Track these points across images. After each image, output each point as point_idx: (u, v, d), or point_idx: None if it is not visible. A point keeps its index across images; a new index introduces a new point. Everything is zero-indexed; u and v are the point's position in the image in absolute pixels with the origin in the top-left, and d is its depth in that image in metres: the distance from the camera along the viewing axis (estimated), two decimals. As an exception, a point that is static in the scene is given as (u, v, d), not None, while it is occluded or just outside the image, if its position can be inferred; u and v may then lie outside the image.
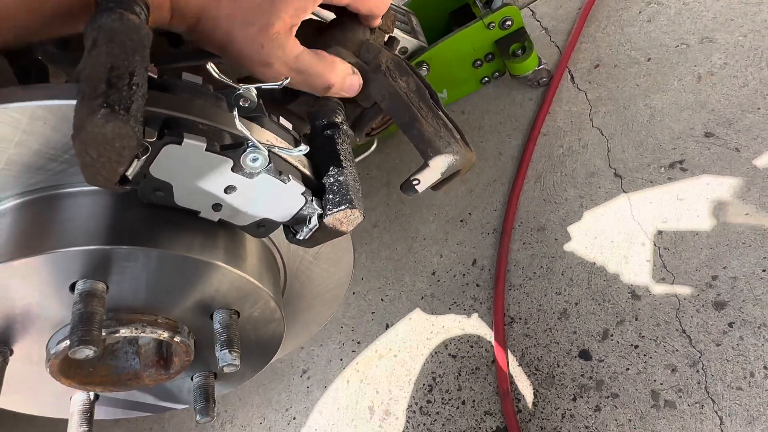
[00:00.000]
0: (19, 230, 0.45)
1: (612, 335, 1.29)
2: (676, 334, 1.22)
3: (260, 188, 0.46)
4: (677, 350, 1.20)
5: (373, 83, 0.62)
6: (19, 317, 0.48)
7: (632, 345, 1.25)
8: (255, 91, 0.50)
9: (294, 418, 1.59)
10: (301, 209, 0.50)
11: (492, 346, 1.41)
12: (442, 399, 1.41)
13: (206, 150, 0.42)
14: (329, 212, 0.49)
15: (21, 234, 0.45)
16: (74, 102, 0.41)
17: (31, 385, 0.56)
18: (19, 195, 0.47)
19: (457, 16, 1.87)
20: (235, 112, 0.45)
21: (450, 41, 1.64)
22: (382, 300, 1.65)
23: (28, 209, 0.47)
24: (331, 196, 0.50)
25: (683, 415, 1.14)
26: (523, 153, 1.62)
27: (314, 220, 0.50)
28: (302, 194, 0.48)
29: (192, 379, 0.61)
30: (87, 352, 0.42)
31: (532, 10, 1.93)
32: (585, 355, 1.30)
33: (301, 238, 0.51)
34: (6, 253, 0.44)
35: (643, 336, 1.25)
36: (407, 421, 1.42)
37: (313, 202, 0.49)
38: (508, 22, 1.61)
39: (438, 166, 0.61)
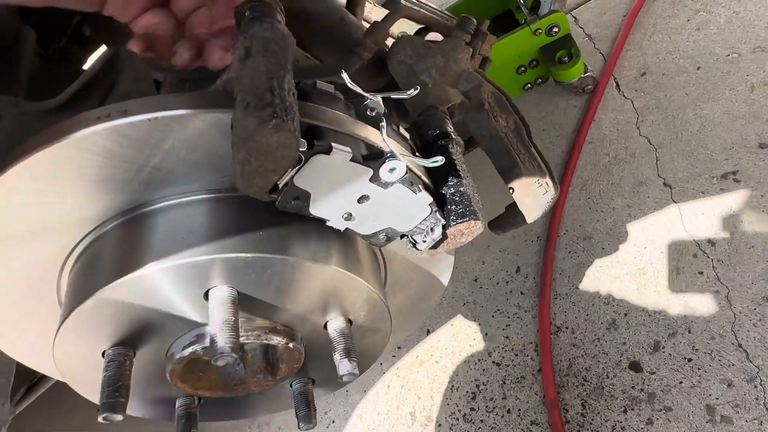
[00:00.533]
0: (153, 238, 0.45)
1: (664, 347, 1.27)
2: (731, 348, 1.21)
3: (392, 198, 0.46)
4: (733, 365, 1.19)
5: (474, 122, 0.62)
6: (147, 323, 0.48)
7: (685, 358, 1.24)
8: (381, 101, 0.50)
9: (333, 422, 1.58)
10: (424, 219, 0.49)
11: (537, 354, 1.40)
12: (486, 407, 1.41)
13: (351, 160, 0.42)
14: (453, 223, 0.49)
15: (156, 242, 0.45)
16: (227, 111, 0.41)
17: (137, 390, 0.56)
18: (151, 202, 0.47)
19: (500, 22, 1.86)
20: (383, 125, 0.45)
21: (494, 47, 1.63)
22: (422, 305, 1.64)
23: (159, 216, 0.47)
24: (453, 207, 0.50)
25: (740, 431, 1.12)
26: (568, 161, 1.61)
27: (438, 231, 0.49)
28: (429, 205, 0.48)
29: (291, 385, 0.61)
30: (229, 359, 0.42)
31: (575, 17, 1.92)
32: (635, 366, 1.28)
33: (421, 248, 0.51)
34: (141, 261, 0.44)
35: (696, 349, 1.24)
36: (450, 429, 1.41)
37: (437, 213, 0.49)
38: (555, 29, 1.60)
39: (532, 215, 0.62)
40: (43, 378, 1.13)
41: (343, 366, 0.50)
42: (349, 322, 0.54)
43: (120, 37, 0.75)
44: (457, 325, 1.56)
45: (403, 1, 1.74)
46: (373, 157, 0.44)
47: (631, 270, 1.39)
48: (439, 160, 0.48)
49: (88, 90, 0.43)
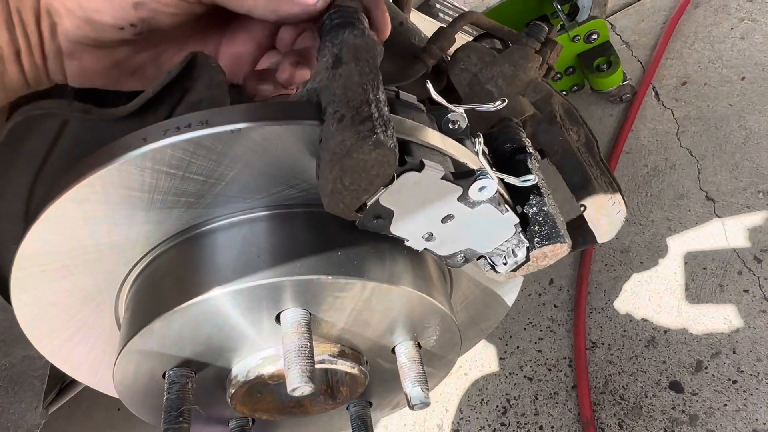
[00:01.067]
0: (226, 256, 0.43)
1: (706, 368, 1.23)
2: (780, 370, 1.16)
3: (477, 218, 0.43)
4: (782, 388, 1.14)
5: (546, 134, 0.59)
6: (213, 345, 0.45)
7: (730, 379, 1.19)
8: (464, 114, 0.47)
9: (358, 432, 1.55)
10: (507, 240, 0.46)
11: (572, 370, 1.36)
12: (518, 423, 1.37)
13: (442, 178, 0.39)
14: (537, 245, 0.46)
15: (230, 261, 0.42)
16: (314, 123, 0.38)
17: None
18: (224, 216, 0.44)
19: (535, 27, 1.83)
20: (479, 143, 0.42)
21: (532, 53, 1.59)
22: (451, 315, 1.61)
23: (234, 232, 0.44)
24: (537, 228, 0.47)
25: (790, 458, 1.08)
26: (605, 171, 1.57)
27: (522, 254, 0.46)
28: (515, 225, 0.45)
29: (348, 408, 0.58)
30: (307, 389, 0.39)
31: (611, 24, 1.88)
32: (676, 386, 1.24)
33: (502, 271, 0.48)
34: (214, 281, 0.41)
35: (742, 371, 1.19)
36: (480, 443, 1.38)
37: (521, 234, 0.46)
38: (594, 36, 1.56)
39: (606, 235, 0.59)
40: (72, 382, 1.11)
41: (416, 394, 0.47)
42: (419, 345, 0.51)
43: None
44: (487, 337, 1.52)
45: (437, 5, 1.70)
46: (463, 175, 0.41)
47: (671, 286, 1.35)
48: (531, 179, 0.45)
49: (161, 97, 0.41)
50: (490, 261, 0.49)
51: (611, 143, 1.63)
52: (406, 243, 0.45)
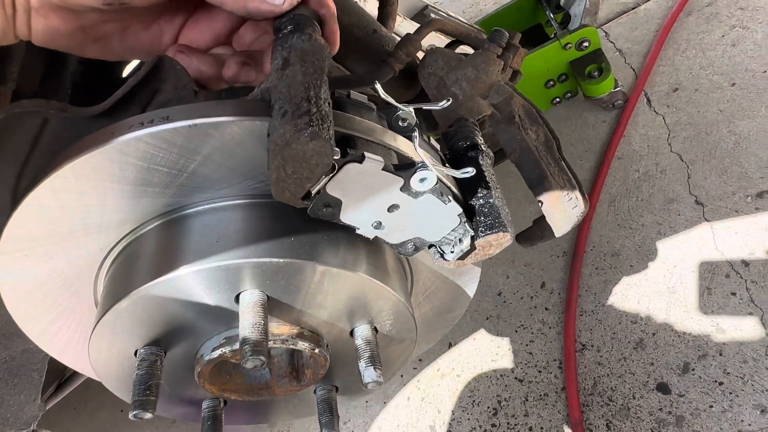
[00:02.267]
0: (189, 242, 0.47)
1: (693, 369, 1.24)
2: (765, 372, 1.17)
3: (422, 208, 0.47)
4: (767, 390, 1.15)
5: (505, 134, 0.63)
6: (179, 324, 0.49)
7: (716, 381, 1.20)
8: (413, 112, 0.51)
9: (352, 432, 1.58)
10: (453, 230, 0.50)
11: (561, 372, 1.38)
12: (508, 424, 1.38)
13: (383, 169, 0.43)
14: (482, 234, 0.49)
15: (191, 245, 0.46)
16: (264, 119, 0.42)
17: (164, 389, 0.57)
18: (188, 206, 0.48)
19: (529, 36, 1.86)
20: (416, 135, 0.45)
21: (524, 61, 1.63)
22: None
23: (195, 220, 0.48)
24: (482, 218, 0.50)
25: (775, 459, 1.08)
26: (597, 176, 1.59)
27: (466, 242, 0.50)
28: (458, 215, 0.49)
29: (315, 392, 0.61)
30: (258, 362, 0.42)
31: (605, 32, 1.91)
32: (663, 388, 1.25)
33: (449, 258, 0.51)
34: (177, 263, 0.45)
35: (728, 372, 1.20)
36: (471, 444, 1.40)
37: (466, 224, 0.49)
38: (586, 43, 1.59)
39: (561, 229, 0.62)
40: (71, 376, 1.15)
41: (369, 374, 0.50)
42: (375, 330, 0.54)
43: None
44: (479, 339, 1.54)
45: (433, 15, 1.75)
46: (404, 167, 0.45)
47: (660, 289, 1.36)
48: (469, 171, 0.49)
49: (132, 97, 0.45)
50: (439, 249, 0.52)
51: (604, 149, 1.65)
52: (357, 231, 0.49)
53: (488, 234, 0.49)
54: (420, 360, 1.60)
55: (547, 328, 1.47)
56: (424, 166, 0.43)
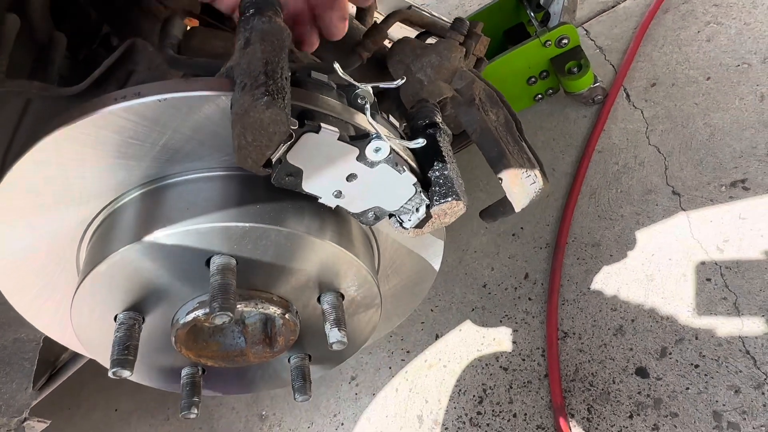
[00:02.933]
0: (162, 209, 0.50)
1: (670, 353, 1.27)
2: (739, 354, 1.20)
3: (378, 177, 0.50)
4: (741, 371, 1.18)
5: (466, 116, 0.66)
6: (155, 289, 0.52)
7: (692, 364, 1.23)
8: (371, 90, 0.55)
9: (342, 424, 1.60)
10: (410, 199, 0.53)
11: (544, 360, 1.41)
12: (493, 411, 1.41)
13: (338, 139, 0.47)
14: (436, 203, 0.53)
15: (163, 213, 0.50)
16: (228, 93, 0.46)
17: (145, 358, 0.60)
18: (162, 178, 0.52)
19: (512, 35, 1.91)
20: (368, 108, 0.49)
21: (505, 58, 1.67)
22: (431, 310, 1.66)
23: (168, 190, 0.52)
24: (437, 189, 0.53)
25: (748, 437, 1.11)
26: (578, 169, 1.63)
27: (422, 210, 0.53)
28: (413, 185, 0.52)
29: (289, 361, 0.65)
30: (225, 318, 0.46)
31: (586, 30, 1.96)
32: (642, 372, 1.28)
33: (407, 226, 0.55)
34: (149, 230, 0.49)
35: (703, 355, 1.23)
36: (457, 432, 1.42)
37: (422, 194, 0.53)
38: (565, 41, 1.63)
39: (520, 203, 0.65)
40: (63, 367, 1.18)
41: (333, 334, 0.54)
42: (341, 296, 0.58)
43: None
44: (465, 330, 1.58)
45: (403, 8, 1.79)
46: (359, 137, 0.48)
47: (638, 276, 1.40)
48: (420, 142, 0.52)
49: (108, 77, 0.49)
50: (398, 218, 0.55)
51: (584, 143, 1.69)
52: (320, 200, 0.52)
53: (442, 202, 0.52)
54: (408, 352, 1.63)
55: (530, 317, 1.50)
56: (378, 136, 0.47)
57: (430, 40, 1.00)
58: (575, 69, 1.65)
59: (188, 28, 0.72)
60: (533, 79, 1.74)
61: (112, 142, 0.47)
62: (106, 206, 0.53)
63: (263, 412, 1.72)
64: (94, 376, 1.97)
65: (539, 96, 1.80)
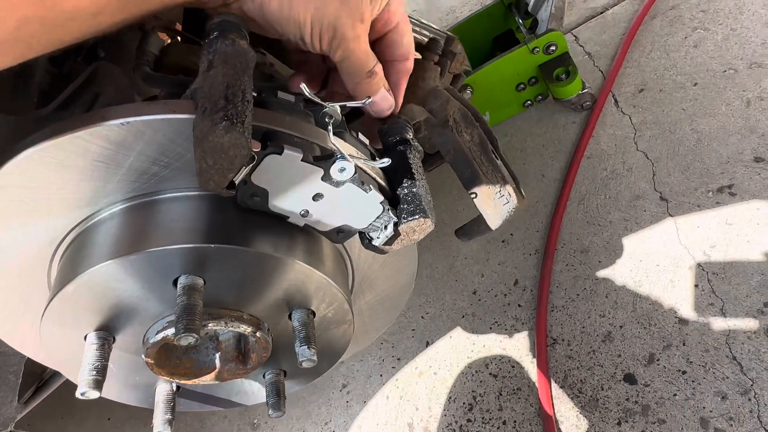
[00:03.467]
0: (129, 230, 0.51)
1: (658, 360, 1.27)
2: (726, 360, 1.20)
3: (344, 197, 0.50)
4: (727, 377, 1.18)
5: (440, 137, 0.67)
6: (124, 309, 0.53)
7: (680, 370, 1.24)
8: (339, 110, 0.55)
9: (333, 432, 1.60)
10: (378, 217, 0.53)
11: (534, 366, 1.41)
12: (483, 418, 1.41)
13: (302, 160, 0.47)
14: (404, 221, 0.53)
15: (131, 233, 0.50)
16: (190, 116, 0.46)
17: (119, 375, 0.61)
18: (129, 199, 0.52)
19: (501, 41, 1.91)
20: (330, 128, 0.49)
21: (494, 65, 1.68)
22: (422, 318, 1.66)
23: (136, 211, 0.52)
24: (405, 206, 0.54)
25: (735, 444, 1.11)
26: (566, 175, 1.64)
27: (390, 228, 0.53)
28: (380, 203, 0.52)
29: (264, 376, 0.65)
30: (190, 339, 0.46)
31: (575, 36, 1.96)
32: (630, 379, 1.28)
33: (377, 244, 0.55)
34: (117, 251, 0.49)
35: (691, 362, 1.23)
36: (447, 440, 1.42)
37: (389, 211, 0.53)
38: (552, 47, 1.64)
39: (494, 223, 0.66)
40: (50, 379, 1.18)
41: (302, 352, 0.54)
42: (312, 314, 0.58)
43: (124, 57, 0.82)
44: (455, 337, 1.58)
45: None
46: (323, 158, 0.49)
47: (626, 283, 1.40)
48: (385, 162, 0.52)
49: (76, 99, 0.49)
50: (367, 236, 0.56)
51: (573, 149, 1.70)
52: (288, 220, 0.52)
53: (410, 220, 0.53)
54: (398, 359, 1.63)
55: (519, 324, 1.50)
56: (342, 156, 0.47)
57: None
58: (563, 75, 1.65)
59: (166, 43, 0.72)
60: (522, 86, 1.75)
61: (77, 165, 0.47)
62: (75, 227, 0.54)
63: (255, 421, 1.72)
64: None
65: (528, 102, 1.80)
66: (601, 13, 1.98)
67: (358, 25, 0.55)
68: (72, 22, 0.45)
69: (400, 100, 0.63)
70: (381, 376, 1.62)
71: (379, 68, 0.60)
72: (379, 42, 0.63)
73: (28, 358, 1.06)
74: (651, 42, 1.77)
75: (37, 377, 1.17)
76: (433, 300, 1.66)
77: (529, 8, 1.76)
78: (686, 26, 1.74)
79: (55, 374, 1.19)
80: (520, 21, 1.78)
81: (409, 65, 0.65)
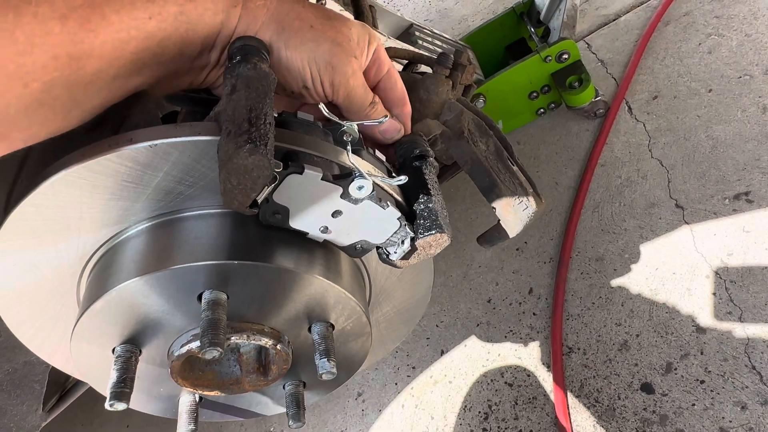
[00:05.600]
0: (155, 247, 0.53)
1: (676, 369, 1.26)
2: (745, 370, 1.19)
3: (363, 213, 0.52)
4: (747, 387, 1.17)
5: (456, 149, 0.68)
6: (150, 323, 0.54)
7: (698, 380, 1.23)
8: (357, 128, 0.57)
9: (349, 440, 1.61)
10: (395, 233, 0.55)
11: (549, 375, 1.41)
12: (499, 427, 1.41)
13: (321, 179, 0.49)
14: (420, 236, 0.54)
15: (157, 250, 0.52)
16: (214, 138, 0.48)
17: (144, 387, 0.62)
18: (155, 217, 0.54)
19: (513, 50, 1.92)
20: (349, 147, 0.51)
21: (506, 74, 1.69)
22: (437, 326, 1.67)
23: (161, 229, 0.54)
24: (421, 221, 0.55)
25: (755, 454, 1.10)
26: (581, 183, 1.63)
27: (407, 243, 0.55)
28: (398, 219, 0.54)
29: (284, 387, 0.66)
30: (215, 353, 0.48)
31: (587, 43, 1.96)
32: (647, 388, 1.28)
33: (394, 259, 0.56)
34: (144, 268, 0.51)
35: (709, 371, 1.22)
36: (463, 449, 1.43)
37: (406, 227, 0.54)
38: (565, 56, 1.64)
39: (514, 230, 0.67)
40: (72, 388, 1.21)
41: (322, 365, 0.55)
42: (331, 326, 0.59)
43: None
44: (470, 346, 1.58)
45: (417, 33, 1.81)
46: (342, 177, 0.50)
47: (642, 291, 1.39)
48: (402, 179, 0.54)
49: (104, 122, 0.51)
50: (385, 251, 0.57)
51: (587, 156, 1.70)
52: (308, 236, 0.54)
53: (427, 235, 0.54)
54: (413, 368, 1.63)
55: (535, 332, 1.50)
56: (360, 175, 0.49)
57: (424, 68, 1.02)
58: (576, 83, 1.66)
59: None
60: (535, 94, 1.75)
61: (106, 185, 0.49)
62: (103, 244, 0.56)
63: (271, 429, 1.74)
64: (106, 392, 2.02)
65: (541, 110, 1.81)
66: (614, 20, 1.98)
67: (354, 61, 0.58)
68: (93, 86, 0.47)
69: (409, 129, 0.66)
70: (396, 384, 1.63)
71: (377, 98, 0.63)
72: (375, 90, 0.65)
73: (52, 368, 1.09)
74: (664, 48, 1.77)
75: (60, 386, 1.20)
76: (447, 308, 1.67)
77: (541, 17, 1.76)
78: (700, 32, 1.73)
79: (77, 383, 1.22)
80: (533, 30, 1.79)
81: (408, 109, 0.68)
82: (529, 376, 1.45)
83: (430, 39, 1.80)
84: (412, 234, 0.55)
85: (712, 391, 1.20)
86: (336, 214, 0.52)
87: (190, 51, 0.53)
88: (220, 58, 0.56)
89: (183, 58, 0.53)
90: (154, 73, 0.52)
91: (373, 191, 0.50)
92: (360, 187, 0.49)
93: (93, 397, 1.98)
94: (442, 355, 1.61)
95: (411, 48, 0.95)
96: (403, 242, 0.55)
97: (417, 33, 1.80)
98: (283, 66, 0.56)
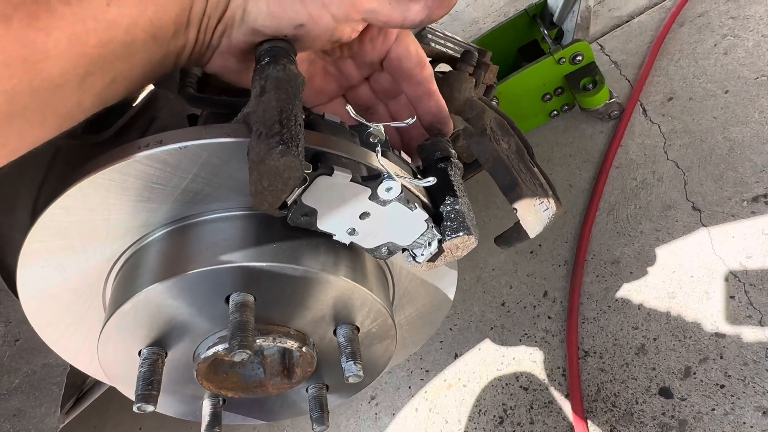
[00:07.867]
0: (183, 249, 0.52)
1: (695, 373, 1.25)
2: (766, 374, 1.17)
3: (390, 215, 0.52)
4: (768, 392, 1.15)
5: (479, 146, 0.68)
6: (177, 326, 0.54)
7: (717, 384, 1.21)
8: (383, 129, 0.56)
9: (363, 444, 1.61)
10: (422, 234, 0.54)
11: (565, 379, 1.40)
12: (514, 431, 1.40)
13: (350, 180, 0.48)
14: (448, 238, 0.54)
15: (184, 253, 0.52)
16: (244, 140, 0.48)
17: (168, 389, 0.62)
18: (182, 219, 0.54)
19: (525, 52, 1.92)
20: (378, 148, 0.51)
21: (520, 76, 1.68)
22: (450, 329, 1.66)
23: (188, 231, 0.54)
24: (448, 223, 0.55)
25: (777, 460, 1.08)
26: (595, 185, 1.62)
27: (434, 245, 0.54)
28: (425, 221, 0.53)
29: (306, 390, 0.66)
30: (244, 355, 0.47)
31: (601, 45, 1.95)
32: (666, 392, 1.26)
33: (420, 261, 0.56)
34: (172, 270, 0.51)
35: (729, 375, 1.21)
36: (478, 453, 1.42)
37: (434, 229, 0.54)
38: (579, 57, 1.64)
39: (534, 230, 0.66)
40: (90, 390, 1.21)
41: (349, 368, 0.55)
42: (357, 329, 0.59)
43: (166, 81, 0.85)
44: (484, 349, 1.57)
45: (430, 35, 1.81)
46: (371, 178, 0.50)
47: (659, 294, 1.38)
48: (431, 180, 0.53)
49: (132, 124, 0.51)
50: (411, 252, 0.57)
51: (601, 159, 1.69)
52: (335, 238, 0.54)
53: (454, 237, 0.54)
54: (427, 371, 1.63)
55: (550, 336, 1.49)
56: (389, 176, 0.49)
57: (443, 66, 1.01)
58: (590, 85, 1.65)
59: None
60: (548, 96, 1.75)
61: (135, 186, 0.50)
62: (131, 246, 0.56)
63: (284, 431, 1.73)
64: (119, 395, 2.02)
65: (555, 112, 1.80)
66: (627, 21, 1.97)
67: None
68: (62, 89, 0.43)
69: (444, 107, 0.62)
70: (410, 388, 1.62)
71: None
72: (388, 62, 0.62)
73: (70, 370, 1.10)
74: (679, 50, 1.75)
75: (77, 388, 1.20)
76: (461, 312, 1.66)
77: (555, 19, 1.76)
78: (715, 33, 1.72)
79: (94, 386, 1.22)
80: (545, 31, 1.78)
81: (428, 72, 0.62)
82: (544, 380, 1.44)
83: (442, 41, 1.79)
84: (439, 236, 0.54)
85: (732, 395, 1.18)
86: (364, 215, 0.52)
87: (163, 34, 0.48)
88: (198, 36, 0.51)
89: (158, 42, 0.48)
90: (130, 65, 0.47)
91: (401, 193, 0.50)
92: (389, 189, 0.49)
93: (107, 400, 1.99)
94: (456, 358, 1.60)
95: (433, 46, 0.95)
96: (429, 244, 0.55)
97: (430, 36, 1.79)
98: (309, 10, 0.50)
